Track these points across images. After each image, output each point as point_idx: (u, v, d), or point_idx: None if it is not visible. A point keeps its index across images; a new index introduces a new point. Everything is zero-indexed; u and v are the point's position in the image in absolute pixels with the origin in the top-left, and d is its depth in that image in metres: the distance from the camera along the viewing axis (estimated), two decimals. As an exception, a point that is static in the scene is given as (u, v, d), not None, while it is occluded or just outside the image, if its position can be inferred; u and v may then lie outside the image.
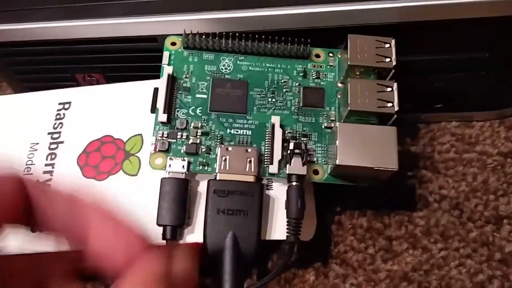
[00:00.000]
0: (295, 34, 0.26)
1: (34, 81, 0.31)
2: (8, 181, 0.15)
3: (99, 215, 0.16)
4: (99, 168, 0.26)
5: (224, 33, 0.25)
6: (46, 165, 0.26)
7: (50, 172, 0.26)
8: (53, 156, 0.26)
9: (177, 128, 0.24)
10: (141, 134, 0.26)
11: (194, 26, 0.25)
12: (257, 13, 0.25)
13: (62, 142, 0.27)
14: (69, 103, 0.28)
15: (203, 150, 0.24)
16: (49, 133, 0.27)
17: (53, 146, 0.26)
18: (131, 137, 0.26)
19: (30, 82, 0.31)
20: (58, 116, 0.27)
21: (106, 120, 0.27)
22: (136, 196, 0.25)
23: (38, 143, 0.27)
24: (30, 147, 0.27)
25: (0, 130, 0.27)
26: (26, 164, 0.26)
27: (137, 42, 0.27)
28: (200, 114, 0.25)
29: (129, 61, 0.29)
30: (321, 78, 0.26)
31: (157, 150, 0.24)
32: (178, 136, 0.24)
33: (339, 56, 0.26)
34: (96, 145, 0.26)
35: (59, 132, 0.27)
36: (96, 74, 0.30)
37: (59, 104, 0.28)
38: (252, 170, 0.23)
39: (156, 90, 0.25)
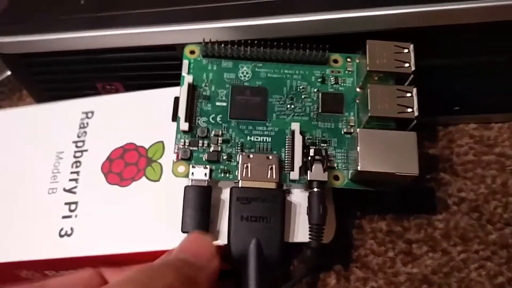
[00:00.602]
0: (313, 41, 0.26)
1: (54, 90, 0.32)
2: None
3: None
4: (123, 174, 0.26)
5: (242, 40, 0.26)
6: (71, 173, 0.27)
7: (76, 180, 0.26)
8: (78, 164, 0.27)
9: (198, 136, 0.25)
10: (162, 141, 0.27)
11: (212, 35, 0.26)
12: (274, 21, 0.26)
13: (86, 150, 0.27)
14: (92, 112, 0.28)
15: (224, 157, 0.24)
16: (73, 142, 0.28)
17: (77, 154, 0.27)
18: (153, 144, 0.27)
19: (51, 91, 0.32)
20: (82, 125, 0.28)
21: (128, 127, 0.28)
22: (159, 202, 0.25)
23: (63, 152, 0.27)
24: (56, 156, 0.27)
25: (27, 140, 0.28)
26: (53, 173, 0.27)
27: (155, 51, 0.28)
28: (220, 122, 0.25)
29: (147, 69, 0.29)
30: (340, 83, 0.26)
31: (180, 158, 0.24)
32: (200, 144, 0.25)
33: (357, 61, 0.26)
34: (119, 152, 0.27)
35: (83, 141, 0.27)
36: (115, 82, 0.31)
37: (83, 113, 0.29)
38: (274, 177, 0.23)
39: (176, 99, 0.25)
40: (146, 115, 0.27)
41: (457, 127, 0.31)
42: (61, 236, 0.25)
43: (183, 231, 0.23)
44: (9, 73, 0.37)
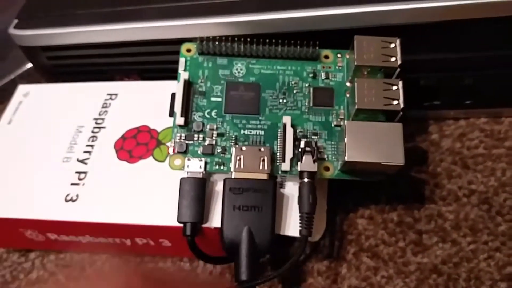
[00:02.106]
0: (305, 36, 0.27)
1: (73, 82, 0.33)
2: None
3: None
4: (132, 152, 0.28)
5: (236, 38, 0.27)
6: (87, 145, 0.29)
7: (89, 152, 0.29)
8: (94, 138, 0.29)
9: (194, 131, 0.26)
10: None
11: (228, 28, 0.27)
12: (267, 17, 0.27)
13: (104, 127, 0.30)
14: (116, 94, 0.31)
15: (218, 150, 0.25)
16: (94, 119, 0.30)
17: (95, 130, 0.30)
18: (165, 128, 0.29)
19: (70, 82, 0.33)
20: (104, 105, 0.31)
21: (145, 111, 0.30)
22: (161, 180, 0.27)
23: (83, 126, 0.30)
24: (76, 129, 0.30)
25: (55, 112, 0.31)
26: (70, 144, 0.29)
27: (173, 44, 0.29)
28: (215, 117, 0.26)
29: (165, 63, 0.31)
30: (330, 78, 0.27)
31: (176, 151, 0.25)
32: (195, 138, 0.26)
33: (347, 56, 0.27)
34: (133, 132, 0.29)
35: (103, 119, 0.30)
36: (133, 75, 0.33)
37: (107, 94, 0.31)
38: (266, 168, 0.24)
39: (173, 95, 0.26)
40: (163, 102, 0.29)
41: (468, 121, 0.31)
42: (66, 201, 0.27)
43: (179, 221, 0.24)
44: (29, 65, 0.38)
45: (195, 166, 0.25)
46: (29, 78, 0.39)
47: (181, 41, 0.28)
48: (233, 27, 0.28)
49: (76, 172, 0.28)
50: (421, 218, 0.28)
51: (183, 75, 0.26)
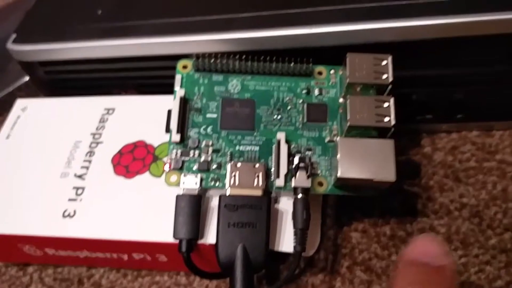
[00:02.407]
0: (298, 53, 0.27)
1: (70, 96, 0.34)
2: None
3: None
4: (129, 167, 0.29)
5: (231, 55, 0.27)
6: (84, 161, 0.29)
7: (87, 167, 0.29)
8: (92, 153, 0.30)
9: (189, 147, 0.26)
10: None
11: (223, 45, 0.28)
12: (262, 34, 0.28)
13: (101, 142, 0.30)
14: (113, 109, 0.31)
15: (214, 167, 0.26)
16: (91, 133, 0.31)
17: (93, 145, 0.30)
18: (162, 143, 0.29)
19: (68, 96, 0.34)
20: (102, 120, 0.31)
21: (142, 126, 0.30)
22: (158, 196, 0.27)
23: (81, 141, 0.30)
24: (74, 144, 0.30)
25: (53, 127, 0.31)
26: (68, 159, 0.30)
27: (170, 60, 0.29)
28: (211, 133, 0.27)
29: (161, 78, 0.31)
30: (324, 94, 0.27)
31: (172, 168, 0.26)
32: (191, 155, 0.26)
33: (340, 73, 0.28)
34: (130, 147, 0.29)
35: (100, 134, 0.30)
36: (130, 89, 0.33)
37: (105, 109, 0.32)
38: (260, 184, 0.25)
39: (169, 112, 0.27)
40: (160, 116, 0.29)
41: (460, 134, 0.32)
42: (64, 216, 0.27)
43: (174, 238, 0.25)
44: (26, 78, 0.39)
45: (191, 182, 0.25)
46: (27, 90, 0.39)
47: (176, 56, 0.28)
48: (228, 43, 0.28)
49: (74, 188, 0.28)
50: (413, 231, 0.29)
51: (179, 92, 0.27)
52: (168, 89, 0.29)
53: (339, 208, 0.29)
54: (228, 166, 0.25)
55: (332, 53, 0.27)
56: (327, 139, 0.26)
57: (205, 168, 0.26)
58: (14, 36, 0.33)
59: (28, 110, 0.33)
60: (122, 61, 0.31)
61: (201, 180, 0.26)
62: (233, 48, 0.28)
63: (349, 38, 0.27)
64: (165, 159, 0.28)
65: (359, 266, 0.28)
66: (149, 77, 0.32)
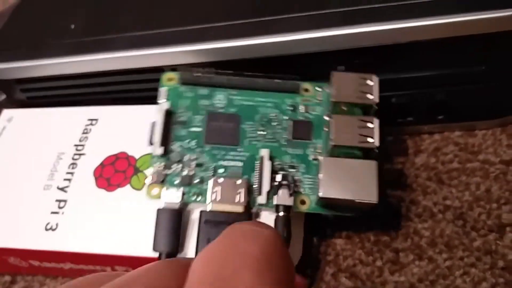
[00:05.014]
0: (280, 63, 0.27)
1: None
2: None
3: None
4: (111, 180, 0.28)
5: (218, 69, 0.27)
6: (67, 173, 0.29)
7: (69, 180, 0.29)
8: (74, 166, 0.29)
9: (172, 161, 0.26)
10: (152, 153, 0.28)
11: (198, 56, 0.28)
12: (239, 43, 0.28)
13: (84, 154, 0.30)
14: (97, 119, 0.31)
15: (196, 181, 0.26)
16: (75, 145, 0.30)
17: (76, 157, 0.30)
18: (143, 155, 0.29)
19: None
20: (85, 131, 0.31)
21: (124, 137, 0.30)
22: (139, 209, 0.27)
23: (64, 153, 0.30)
24: (57, 156, 0.30)
25: (36, 138, 0.31)
26: (51, 171, 0.29)
27: (144, 73, 0.29)
28: (194, 147, 0.26)
29: (138, 91, 0.31)
30: (309, 112, 0.27)
31: (154, 181, 0.26)
32: (173, 168, 0.26)
33: (327, 90, 0.28)
34: (112, 159, 0.29)
35: (83, 145, 0.30)
36: (108, 104, 0.32)
37: (88, 120, 0.31)
38: (241, 201, 0.25)
39: (153, 124, 0.27)
40: (142, 127, 0.29)
41: (443, 135, 0.31)
42: (46, 229, 0.27)
43: (154, 250, 0.25)
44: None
45: (172, 196, 0.25)
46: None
47: (152, 69, 0.28)
48: (203, 54, 0.28)
49: (56, 200, 0.28)
50: (397, 236, 0.28)
51: (164, 105, 0.27)
52: (147, 102, 0.29)
53: (323, 215, 0.29)
54: (210, 182, 0.25)
55: (310, 60, 0.27)
56: (311, 157, 0.26)
57: (187, 182, 0.26)
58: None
59: (14, 120, 0.32)
60: (98, 76, 0.30)
61: (183, 194, 0.25)
62: (209, 58, 0.28)
63: (326, 44, 0.27)
64: (146, 171, 0.28)
65: (344, 273, 0.28)
66: (126, 91, 0.31)
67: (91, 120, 0.31)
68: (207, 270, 0.14)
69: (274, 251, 0.15)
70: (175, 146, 0.26)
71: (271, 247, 0.15)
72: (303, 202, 0.25)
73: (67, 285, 0.15)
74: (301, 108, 0.27)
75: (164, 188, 0.25)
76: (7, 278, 0.30)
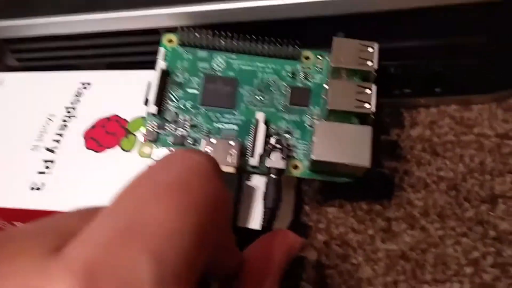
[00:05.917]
0: (288, 26, 0.27)
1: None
2: None
3: None
4: (100, 141, 0.28)
5: (218, 32, 0.27)
6: (56, 134, 0.29)
7: (58, 141, 0.28)
8: (64, 127, 0.29)
9: (166, 120, 0.26)
10: (144, 117, 0.28)
11: (194, 18, 0.27)
12: (233, 5, 0.27)
13: (74, 116, 0.29)
14: (89, 83, 0.31)
15: (189, 142, 0.25)
16: (66, 107, 0.30)
17: (66, 119, 0.29)
18: (136, 118, 0.29)
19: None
20: (77, 94, 0.30)
21: (117, 101, 0.29)
22: (127, 170, 0.26)
23: (54, 115, 0.30)
24: (47, 118, 0.29)
25: (27, 101, 0.31)
26: (40, 132, 0.29)
27: (139, 35, 0.29)
28: (190, 108, 0.26)
29: (132, 55, 0.31)
30: (309, 79, 0.27)
31: (146, 140, 0.25)
32: (167, 128, 0.26)
33: (328, 59, 0.27)
34: (103, 122, 0.29)
35: (74, 108, 0.30)
36: (101, 68, 0.32)
37: (81, 83, 0.31)
38: (232, 161, 0.24)
39: (149, 84, 0.26)
40: (136, 91, 0.28)
41: (439, 109, 0.31)
42: (31, 189, 0.26)
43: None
44: None
45: (163, 155, 0.25)
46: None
47: (147, 31, 0.28)
48: (201, 16, 0.27)
49: (43, 161, 0.28)
50: (390, 205, 0.28)
51: (161, 64, 0.26)
52: (142, 66, 0.28)
53: (316, 184, 0.29)
54: (203, 141, 0.25)
55: (305, 26, 0.27)
56: (307, 123, 0.26)
57: (180, 143, 0.25)
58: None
59: (5, 83, 0.32)
60: (91, 37, 0.30)
61: (175, 153, 0.25)
62: (205, 21, 0.27)
63: (326, 9, 0.26)
64: (137, 133, 0.28)
65: (336, 240, 0.28)
66: (121, 54, 0.31)
67: (84, 83, 0.31)
68: (115, 209, 0.15)
69: (192, 177, 0.15)
70: (170, 106, 0.26)
71: (190, 172, 0.15)
72: (295, 167, 0.25)
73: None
74: (301, 75, 0.27)
75: (156, 147, 0.25)
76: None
